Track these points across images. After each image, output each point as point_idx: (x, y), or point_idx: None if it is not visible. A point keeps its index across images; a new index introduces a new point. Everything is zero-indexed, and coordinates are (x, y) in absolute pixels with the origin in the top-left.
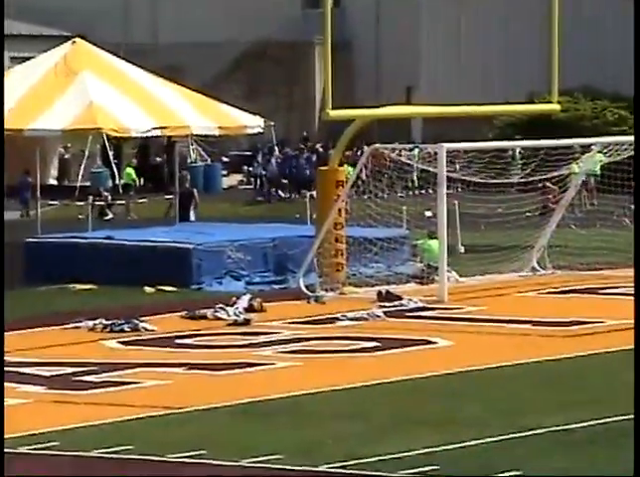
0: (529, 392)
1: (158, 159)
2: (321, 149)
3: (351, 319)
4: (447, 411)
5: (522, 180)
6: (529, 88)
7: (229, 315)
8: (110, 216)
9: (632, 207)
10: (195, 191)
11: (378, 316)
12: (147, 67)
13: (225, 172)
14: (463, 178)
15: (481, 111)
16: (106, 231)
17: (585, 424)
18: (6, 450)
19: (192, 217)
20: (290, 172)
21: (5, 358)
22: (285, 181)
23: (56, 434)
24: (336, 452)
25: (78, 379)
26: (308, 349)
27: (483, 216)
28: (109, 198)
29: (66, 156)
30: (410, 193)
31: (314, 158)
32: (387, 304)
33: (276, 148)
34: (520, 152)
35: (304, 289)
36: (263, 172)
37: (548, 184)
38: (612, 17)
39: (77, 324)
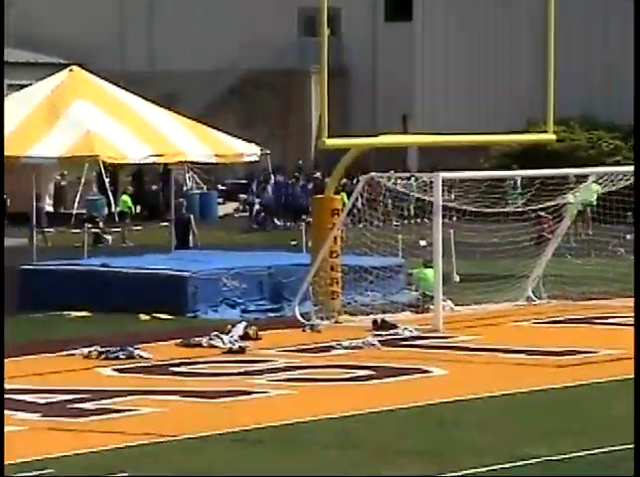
0: (523, 421)
1: (154, 187)
2: (317, 176)
3: (346, 347)
4: (441, 440)
5: (518, 209)
6: (524, 118)
7: (224, 343)
8: (109, 238)
9: (627, 237)
10: (192, 218)
11: (373, 345)
12: (144, 95)
13: (221, 200)
14: (459, 207)
15: (477, 141)
16: (102, 258)
17: (581, 454)
18: None
19: (190, 243)
20: (286, 200)
21: None
22: (281, 209)
23: (51, 461)
24: None
25: (73, 406)
26: (303, 377)
27: (478, 245)
28: (101, 224)
29: (62, 183)
30: (406, 222)
31: (310, 186)
32: (382, 333)
33: (272, 176)
34: (514, 181)
35: (299, 317)
36: (257, 200)
37: (542, 214)
38: (610, 50)
39: (72, 351)
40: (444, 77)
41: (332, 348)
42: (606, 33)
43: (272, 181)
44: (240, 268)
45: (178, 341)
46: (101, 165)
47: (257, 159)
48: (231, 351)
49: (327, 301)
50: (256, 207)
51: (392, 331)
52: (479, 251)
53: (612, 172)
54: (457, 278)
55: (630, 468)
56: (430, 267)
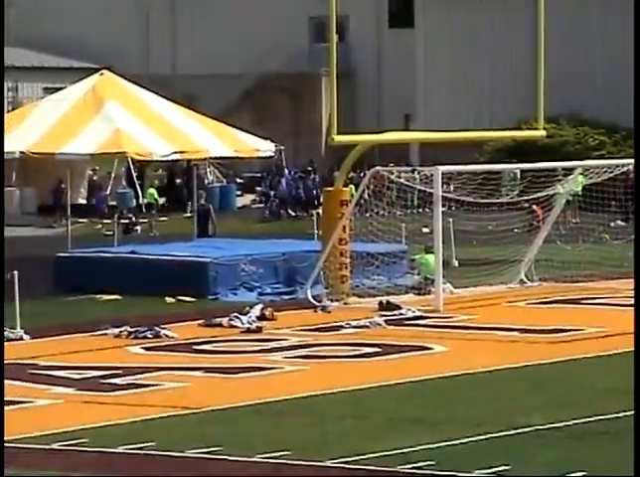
0: (517, 393)
1: (178, 181)
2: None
3: (354, 327)
4: (443, 412)
5: (511, 200)
6: (517, 116)
7: (242, 323)
8: (138, 228)
9: (611, 224)
10: (211, 207)
11: (379, 324)
12: (166, 96)
13: (239, 192)
14: (457, 198)
15: (473, 137)
16: (131, 246)
17: (569, 423)
18: (38, 447)
19: (210, 231)
20: (298, 192)
21: (37, 362)
22: (294, 200)
23: (84, 432)
24: (340, 449)
25: (104, 381)
26: (315, 354)
27: (475, 232)
28: (132, 217)
29: (94, 178)
30: (409, 211)
31: (318, 179)
32: (387, 313)
33: (286, 170)
34: (514, 173)
35: (311, 299)
36: (272, 192)
37: (533, 206)
38: (596, 50)
39: (103, 331)
40: (443, 79)
41: (341, 327)
42: (594, 37)
43: (286, 175)
44: (256, 255)
45: (200, 321)
46: (130, 161)
47: (272, 154)
48: (249, 330)
49: (337, 284)
50: (272, 199)
51: (396, 312)
52: (476, 238)
53: (597, 165)
54: (456, 263)
55: (617, 433)
56: (431, 253)
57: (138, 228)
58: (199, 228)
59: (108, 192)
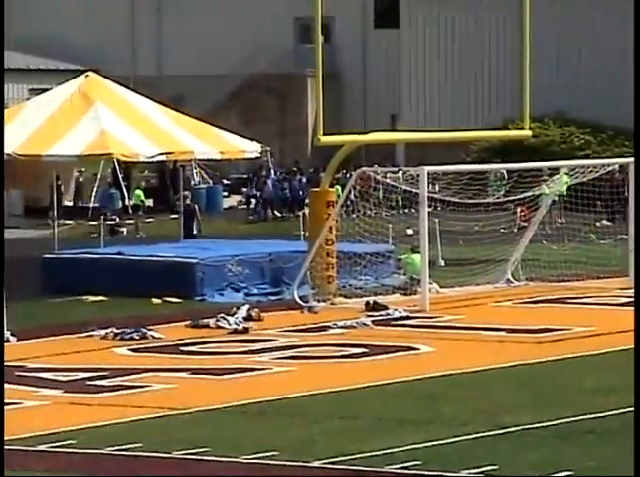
0: (504, 393)
1: (168, 182)
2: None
3: (341, 327)
4: (430, 412)
5: (497, 200)
6: (503, 115)
7: (229, 324)
8: (124, 229)
9: (597, 223)
10: (196, 207)
11: (365, 324)
12: (152, 97)
13: (225, 193)
14: (443, 198)
15: (459, 137)
16: (117, 247)
17: (555, 423)
18: (25, 448)
19: (195, 230)
20: (285, 193)
21: (24, 364)
22: (280, 201)
23: (71, 434)
24: (327, 449)
25: (91, 383)
26: (302, 355)
27: (461, 232)
28: (118, 218)
29: (80, 179)
30: (395, 212)
31: (305, 180)
32: (374, 313)
33: (272, 171)
34: (500, 172)
35: (298, 300)
36: (258, 193)
37: (517, 206)
38: (582, 51)
39: (90, 333)
40: (429, 79)
41: (328, 328)
42: (580, 36)
43: (272, 175)
44: (243, 256)
45: (187, 322)
46: (116, 162)
47: (259, 155)
48: (235, 331)
49: (323, 285)
50: (258, 199)
51: (383, 312)
52: (462, 238)
53: (582, 165)
54: (442, 263)
55: (605, 432)
56: (418, 253)
57: (124, 229)
58: (184, 227)
59: (94, 193)
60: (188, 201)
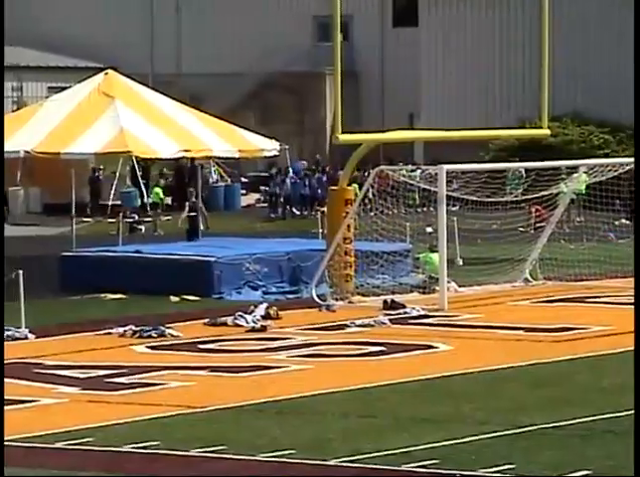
0: (521, 392)
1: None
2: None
3: (359, 326)
4: (447, 410)
5: (516, 198)
6: (521, 114)
7: (247, 322)
8: (142, 227)
9: (616, 222)
10: (202, 205)
11: (383, 323)
12: (171, 95)
13: (243, 191)
14: (461, 197)
15: (478, 136)
16: (135, 245)
17: (574, 422)
18: (43, 446)
19: (201, 228)
20: (304, 191)
21: (42, 361)
22: (299, 199)
23: (89, 431)
24: (344, 447)
25: (109, 380)
26: (319, 353)
27: (479, 231)
28: (137, 216)
29: (99, 177)
30: (413, 210)
31: (324, 178)
32: (391, 312)
33: (290, 169)
34: (519, 171)
35: (316, 298)
36: (279, 191)
37: (534, 206)
38: (600, 50)
39: (108, 330)
40: (447, 78)
41: (346, 326)
42: (599, 35)
43: (291, 174)
44: (261, 254)
45: (205, 320)
46: (134, 160)
47: (277, 154)
48: (253, 329)
49: (341, 283)
50: (277, 198)
51: (401, 310)
52: (480, 237)
53: (601, 164)
54: (460, 262)
55: (622, 432)
56: (435, 252)
57: (142, 227)
58: (189, 226)
59: (113, 191)
60: (193, 199)
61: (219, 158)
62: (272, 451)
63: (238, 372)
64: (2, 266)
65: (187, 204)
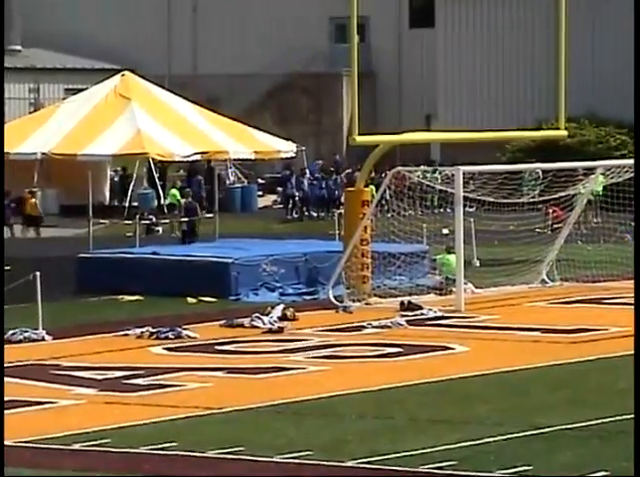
0: (538, 393)
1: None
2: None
3: (376, 327)
4: (464, 412)
5: (532, 199)
6: (538, 115)
7: (264, 323)
8: (159, 228)
9: (633, 224)
10: (197, 206)
11: (400, 324)
12: (188, 97)
13: (260, 193)
14: (478, 198)
15: (494, 137)
16: (152, 246)
17: (591, 423)
18: (60, 447)
19: (196, 230)
20: (321, 192)
21: (59, 363)
22: (316, 200)
23: (106, 432)
24: (361, 449)
25: (126, 382)
26: (336, 354)
27: (496, 232)
28: (154, 218)
29: (115, 179)
30: (430, 211)
31: (340, 179)
32: (409, 313)
33: (308, 171)
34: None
35: (333, 300)
36: (296, 193)
37: (550, 208)
38: (616, 50)
39: (125, 332)
40: (464, 79)
41: (363, 327)
42: (616, 35)
43: (308, 175)
44: (278, 255)
45: (222, 322)
46: (151, 162)
47: (294, 155)
48: (270, 331)
49: (358, 285)
50: (294, 199)
51: (417, 312)
52: (497, 238)
53: (618, 165)
54: (477, 263)
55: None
56: (452, 253)
57: (159, 228)
58: (186, 227)
59: (130, 193)
60: (190, 199)
61: (235, 160)
62: (290, 452)
63: (255, 373)
64: (2, 266)
65: (182, 202)
